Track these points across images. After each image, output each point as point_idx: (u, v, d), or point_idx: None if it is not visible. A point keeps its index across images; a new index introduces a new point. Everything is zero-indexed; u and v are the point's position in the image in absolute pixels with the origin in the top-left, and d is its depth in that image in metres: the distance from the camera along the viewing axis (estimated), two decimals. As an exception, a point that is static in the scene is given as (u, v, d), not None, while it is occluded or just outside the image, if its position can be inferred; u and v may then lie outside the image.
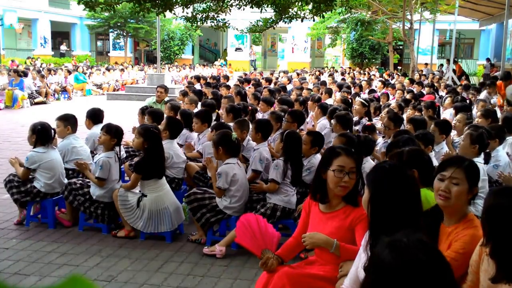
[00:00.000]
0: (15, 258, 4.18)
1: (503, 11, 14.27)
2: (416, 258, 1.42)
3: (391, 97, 11.00)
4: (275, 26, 9.80)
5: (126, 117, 11.83)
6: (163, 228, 4.63)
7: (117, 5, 7.99)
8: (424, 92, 11.97)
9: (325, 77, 18.46)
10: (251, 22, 10.01)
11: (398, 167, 2.40)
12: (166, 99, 8.48)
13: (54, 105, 15.71)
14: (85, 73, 20.63)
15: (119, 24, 30.83)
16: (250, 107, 7.26)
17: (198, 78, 14.20)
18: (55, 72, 18.66)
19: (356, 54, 29.88)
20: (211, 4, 8.97)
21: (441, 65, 26.39)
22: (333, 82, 14.57)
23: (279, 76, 18.51)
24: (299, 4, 9.01)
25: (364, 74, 20.05)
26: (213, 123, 6.28)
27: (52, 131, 5.09)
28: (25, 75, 15.79)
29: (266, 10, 8.99)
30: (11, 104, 14.52)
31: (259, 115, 7.47)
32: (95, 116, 6.10)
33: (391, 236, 1.52)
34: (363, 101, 7.67)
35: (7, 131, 10.66)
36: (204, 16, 8.97)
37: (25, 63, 25.11)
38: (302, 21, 9.71)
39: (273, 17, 9.55)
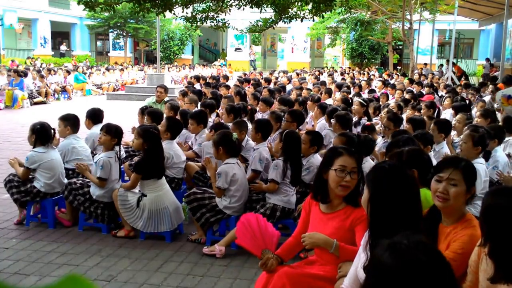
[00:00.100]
0: (15, 258, 4.19)
1: (502, 11, 14.27)
2: (417, 260, 1.42)
3: (390, 97, 11.00)
4: (274, 26, 9.82)
5: (126, 117, 11.83)
6: (163, 228, 4.64)
7: (117, 5, 8.00)
8: (424, 92, 11.98)
9: (324, 77, 18.46)
10: (250, 22, 10.02)
11: (398, 167, 2.40)
12: (166, 99, 8.49)
13: (54, 105, 15.71)
14: (85, 73, 20.62)
15: (119, 24, 30.84)
16: (249, 107, 7.26)
17: (197, 78, 14.20)
18: (55, 72, 18.66)
19: (356, 54, 29.88)
20: (211, 4, 8.98)
21: (441, 65, 26.41)
22: (332, 82, 14.57)
23: (278, 76, 18.51)
24: (299, 4, 9.03)
25: (364, 74, 20.04)
26: (213, 123, 6.29)
27: (52, 131, 5.09)
28: (25, 75, 15.78)
29: (265, 10, 9.01)
30: (11, 104, 14.53)
31: (258, 115, 7.48)
32: (95, 116, 6.11)
33: (391, 238, 1.52)
34: (361, 101, 7.67)
35: (7, 131, 10.66)
36: (203, 16, 8.98)
37: (25, 63, 25.10)
38: (301, 21, 9.73)
39: (272, 17, 9.57)
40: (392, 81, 16.14)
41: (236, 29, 11.04)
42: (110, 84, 20.89)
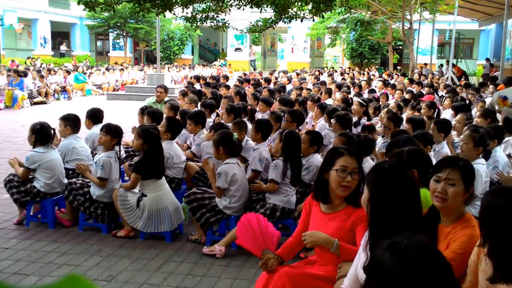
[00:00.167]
0: (15, 258, 4.19)
1: (502, 11, 14.27)
2: (417, 260, 1.42)
3: (390, 97, 11.00)
4: (274, 26, 9.82)
5: (126, 117, 11.83)
6: (163, 228, 4.64)
7: (117, 5, 8.00)
8: (424, 92, 11.98)
9: (324, 77, 18.46)
10: (250, 22, 10.02)
11: (398, 167, 2.40)
12: (166, 99, 8.49)
13: (54, 105, 15.71)
14: (85, 73, 20.62)
15: (119, 24, 30.83)
16: (249, 107, 7.27)
17: (197, 78, 14.20)
18: (55, 72, 18.66)
19: (356, 54, 29.88)
20: (211, 4, 8.98)
21: (441, 65, 26.41)
22: (332, 82, 14.57)
23: (278, 76, 18.51)
24: (299, 4, 9.03)
25: (364, 74, 20.04)
26: (213, 123, 6.29)
27: (52, 131, 5.10)
28: (25, 75, 15.79)
29: (265, 10, 9.01)
30: (11, 104, 14.53)
31: (258, 115, 7.48)
32: (95, 116, 6.11)
33: (391, 239, 1.52)
34: (360, 101, 7.67)
35: (7, 131, 10.66)
36: (203, 16, 8.99)
37: (25, 63, 25.10)
38: (301, 21, 9.74)
39: (272, 17, 9.57)
40: (392, 81, 16.15)
41: (236, 29, 11.04)
42: (110, 84, 20.89)
